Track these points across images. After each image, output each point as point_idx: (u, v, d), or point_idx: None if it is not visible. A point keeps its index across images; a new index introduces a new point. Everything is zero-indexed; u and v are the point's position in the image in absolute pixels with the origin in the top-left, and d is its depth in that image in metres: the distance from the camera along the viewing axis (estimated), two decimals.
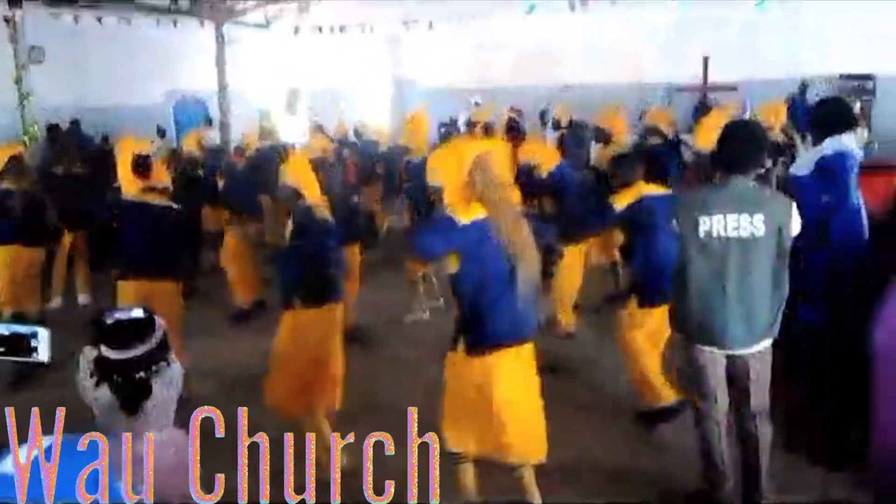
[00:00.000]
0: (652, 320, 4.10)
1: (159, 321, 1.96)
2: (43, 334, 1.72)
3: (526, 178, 5.56)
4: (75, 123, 11.98)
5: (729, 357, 3.15)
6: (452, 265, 2.92)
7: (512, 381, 2.96)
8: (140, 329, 1.89)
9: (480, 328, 2.92)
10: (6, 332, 1.73)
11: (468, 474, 3.16)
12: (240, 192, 6.57)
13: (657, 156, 6.44)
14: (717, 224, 2.97)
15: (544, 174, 5.76)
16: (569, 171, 5.92)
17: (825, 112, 4.30)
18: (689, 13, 11.87)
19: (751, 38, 11.76)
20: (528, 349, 3.04)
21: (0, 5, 10.85)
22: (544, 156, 5.96)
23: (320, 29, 15.06)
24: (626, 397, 4.48)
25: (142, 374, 1.83)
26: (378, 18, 14.89)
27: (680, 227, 3.10)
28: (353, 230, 5.87)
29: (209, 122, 12.94)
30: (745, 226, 2.95)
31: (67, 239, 6.61)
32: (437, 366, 3.22)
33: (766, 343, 3.11)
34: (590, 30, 13.09)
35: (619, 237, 4.73)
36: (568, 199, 5.65)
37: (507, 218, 2.89)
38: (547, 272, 3.13)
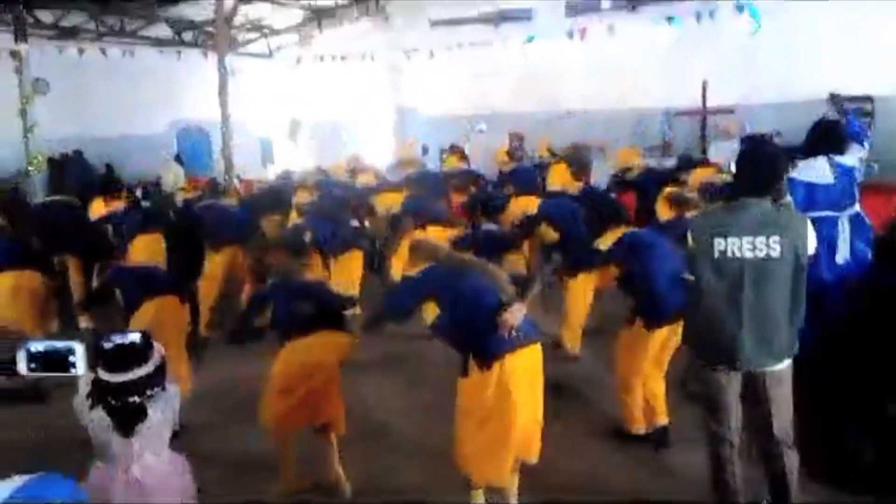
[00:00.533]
0: (657, 341, 4.12)
1: (157, 346, 1.96)
2: (79, 350, 1.70)
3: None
4: (78, 153, 12.09)
5: (746, 379, 3.11)
6: (431, 312, 3.28)
7: (529, 380, 3.14)
8: (137, 353, 1.89)
9: (486, 341, 3.08)
10: (42, 349, 1.71)
11: (480, 495, 3.34)
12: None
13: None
14: (732, 245, 2.96)
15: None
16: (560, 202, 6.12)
17: (817, 134, 4.33)
18: (687, 38, 11.98)
19: (748, 61, 11.84)
20: (537, 350, 3.20)
21: (6, 39, 11.02)
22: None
23: (322, 58, 15.24)
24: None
25: (136, 397, 1.82)
26: (379, 48, 15.07)
27: (694, 247, 3.09)
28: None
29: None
30: (760, 247, 2.94)
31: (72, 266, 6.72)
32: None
33: (785, 364, 3.08)
34: (588, 56, 13.22)
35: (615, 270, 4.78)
36: (567, 230, 5.83)
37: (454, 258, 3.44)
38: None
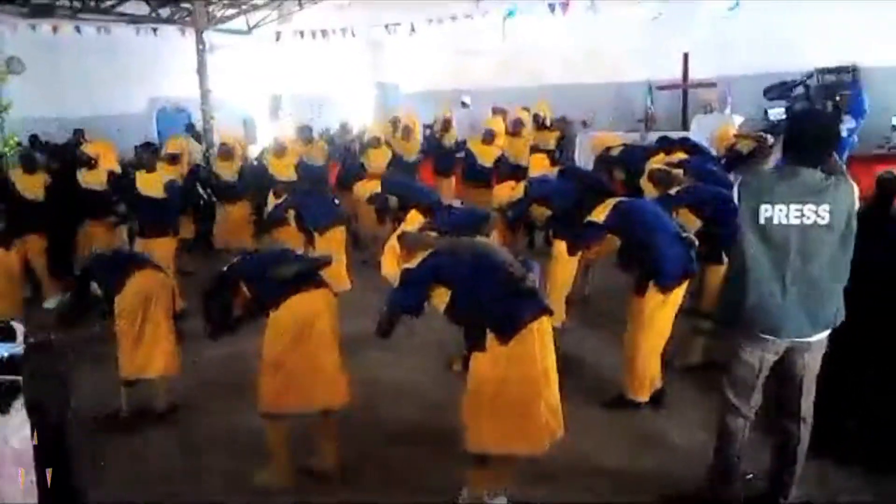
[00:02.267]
0: (675, 302, 4.28)
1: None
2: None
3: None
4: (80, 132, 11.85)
5: (784, 351, 3.06)
6: (442, 297, 3.24)
7: (549, 348, 3.18)
8: None
9: (506, 315, 3.10)
10: None
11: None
12: None
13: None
14: (780, 212, 2.91)
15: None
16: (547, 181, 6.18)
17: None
18: (668, 11, 11.95)
19: (729, 34, 11.85)
20: (547, 321, 3.22)
21: None
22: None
23: (302, 34, 15.01)
24: (615, 390, 4.52)
25: None
26: (360, 23, 14.88)
27: (740, 211, 3.02)
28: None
29: (190, 129, 12.88)
30: (808, 214, 2.89)
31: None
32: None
33: (825, 334, 3.07)
34: (570, 31, 13.16)
35: (613, 242, 4.81)
36: (558, 206, 5.85)
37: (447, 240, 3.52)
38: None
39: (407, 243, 3.58)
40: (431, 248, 3.46)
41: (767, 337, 3.03)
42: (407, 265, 3.41)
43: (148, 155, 6.84)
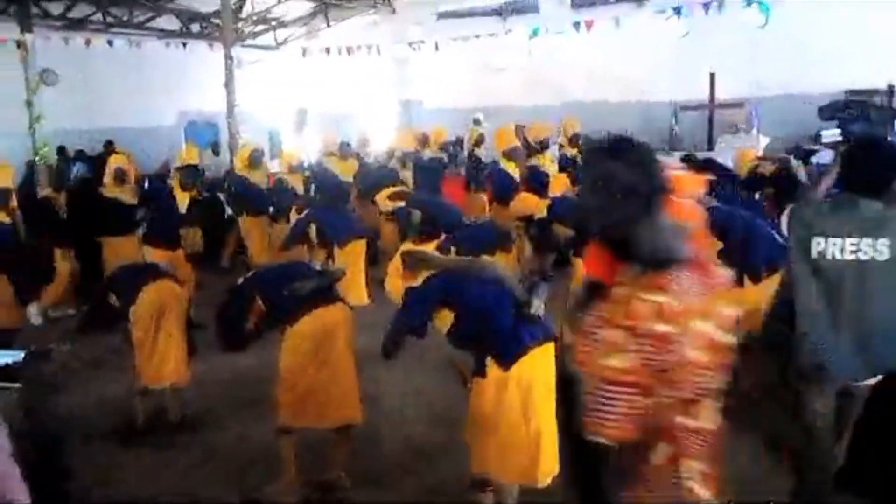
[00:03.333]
0: None
1: None
2: None
3: None
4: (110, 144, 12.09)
5: (838, 392, 2.86)
6: (445, 319, 3.19)
7: (549, 377, 3.04)
8: None
9: (508, 340, 3.02)
10: None
11: (490, 496, 3.27)
12: None
13: None
14: (833, 247, 2.69)
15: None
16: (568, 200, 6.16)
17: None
18: (694, 30, 11.90)
19: (756, 53, 11.76)
20: (552, 347, 3.12)
21: (12, 29, 11.03)
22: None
23: (328, 51, 15.21)
24: None
25: None
26: (385, 40, 15.03)
27: (790, 242, 2.83)
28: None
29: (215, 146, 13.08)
30: (866, 249, 2.67)
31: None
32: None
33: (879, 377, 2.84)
34: (594, 49, 13.15)
35: None
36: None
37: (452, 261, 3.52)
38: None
39: (410, 263, 3.54)
40: (434, 268, 3.42)
41: (821, 376, 2.82)
42: (410, 285, 3.38)
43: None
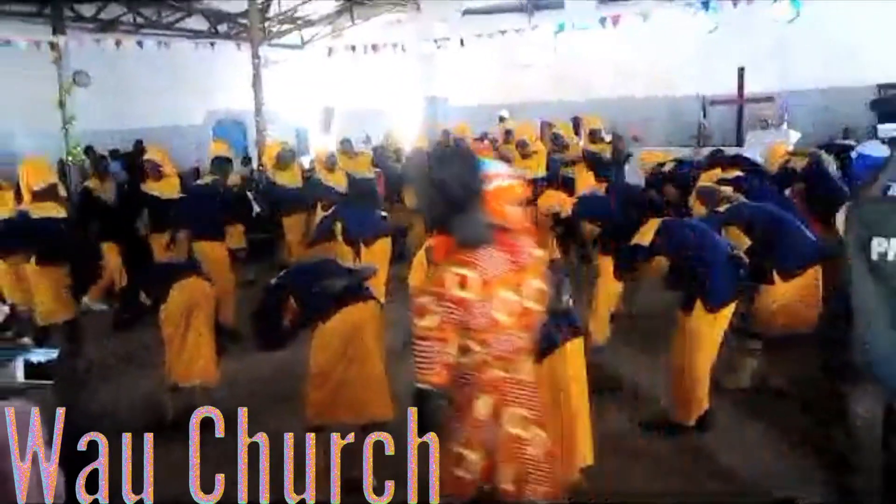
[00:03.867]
0: (722, 323, 4.11)
1: None
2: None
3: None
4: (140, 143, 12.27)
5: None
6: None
7: (580, 373, 3.12)
8: None
9: (538, 337, 3.00)
10: None
11: None
12: None
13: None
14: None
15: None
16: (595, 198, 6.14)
17: None
18: (723, 24, 11.73)
19: (787, 47, 11.57)
20: (581, 343, 3.19)
21: (47, 31, 11.26)
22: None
23: (354, 49, 15.28)
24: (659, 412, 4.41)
25: None
26: (410, 38, 15.06)
27: (848, 241, 2.71)
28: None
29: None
30: None
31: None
32: None
33: None
34: (621, 43, 13.04)
35: (661, 263, 4.66)
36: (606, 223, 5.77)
37: None
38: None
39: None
40: None
41: (867, 378, 2.74)
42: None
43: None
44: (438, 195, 2.14)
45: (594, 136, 9.68)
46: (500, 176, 2.24)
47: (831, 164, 6.47)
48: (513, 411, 2.13)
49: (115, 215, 7.45)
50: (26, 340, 2.27)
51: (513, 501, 2.16)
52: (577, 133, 10.48)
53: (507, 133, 10.22)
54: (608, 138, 9.59)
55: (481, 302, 2.01)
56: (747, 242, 4.77)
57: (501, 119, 12.63)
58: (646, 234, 4.39)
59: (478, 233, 2.10)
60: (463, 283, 2.00)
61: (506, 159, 8.09)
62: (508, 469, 2.13)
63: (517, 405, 2.13)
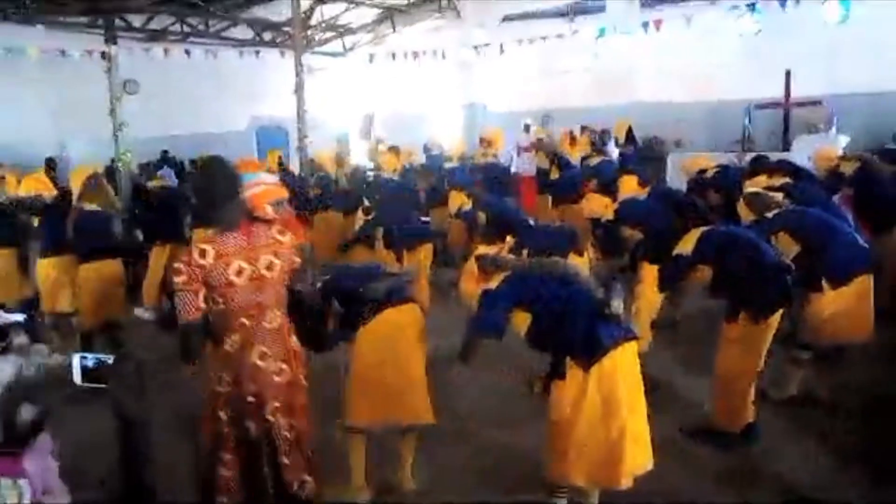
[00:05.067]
0: (769, 333, 4.02)
1: None
2: None
3: None
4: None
5: None
6: (523, 321, 3.22)
7: (634, 376, 3.07)
8: None
9: (588, 341, 3.01)
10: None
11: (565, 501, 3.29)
12: None
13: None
14: None
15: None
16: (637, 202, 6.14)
17: None
18: (769, 27, 11.52)
19: (835, 49, 11.29)
20: (634, 346, 3.13)
21: (98, 41, 11.63)
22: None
23: (394, 56, 15.42)
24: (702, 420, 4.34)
25: None
26: (450, 45, 15.13)
27: None
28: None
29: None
30: None
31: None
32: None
33: None
34: (663, 48, 12.90)
35: (705, 273, 4.56)
36: (649, 228, 5.71)
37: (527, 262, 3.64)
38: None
39: (485, 265, 3.56)
40: (509, 270, 3.42)
41: None
42: (486, 287, 3.39)
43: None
44: (201, 196, 3.05)
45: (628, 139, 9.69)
46: (259, 184, 3.51)
47: (883, 170, 6.30)
48: (257, 348, 2.82)
49: (165, 217, 7.65)
50: (40, 347, 2.34)
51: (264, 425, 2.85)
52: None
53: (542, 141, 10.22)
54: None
55: (214, 267, 2.70)
56: (796, 249, 4.66)
57: (526, 128, 12.19)
58: (688, 243, 4.32)
59: (222, 221, 2.82)
60: (202, 254, 2.70)
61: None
62: (251, 387, 2.81)
63: (259, 343, 2.82)
